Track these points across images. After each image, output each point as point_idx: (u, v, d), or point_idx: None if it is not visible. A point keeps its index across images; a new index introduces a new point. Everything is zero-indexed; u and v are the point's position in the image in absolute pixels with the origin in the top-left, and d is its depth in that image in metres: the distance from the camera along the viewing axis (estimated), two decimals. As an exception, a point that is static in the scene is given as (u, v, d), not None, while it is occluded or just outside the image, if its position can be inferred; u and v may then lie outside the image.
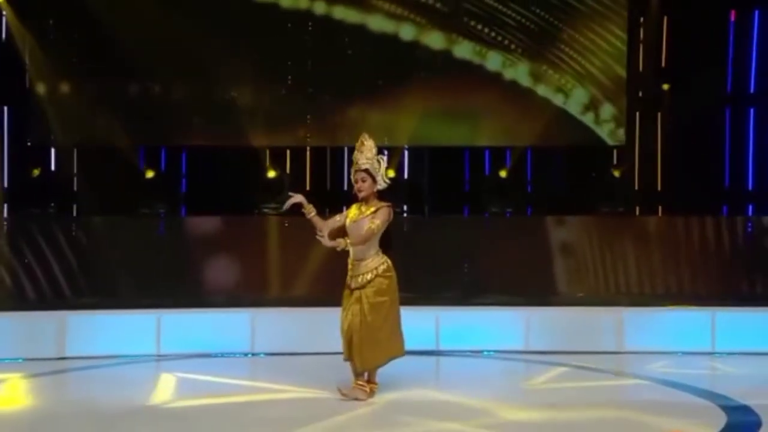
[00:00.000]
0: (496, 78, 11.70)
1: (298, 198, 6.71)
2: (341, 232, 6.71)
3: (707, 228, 10.80)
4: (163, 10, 11.35)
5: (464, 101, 11.68)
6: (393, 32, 11.58)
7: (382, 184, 6.64)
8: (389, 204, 6.66)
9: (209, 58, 11.39)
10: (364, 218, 6.61)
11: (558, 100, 11.80)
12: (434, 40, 11.58)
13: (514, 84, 11.70)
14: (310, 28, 11.67)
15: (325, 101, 11.69)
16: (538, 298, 10.07)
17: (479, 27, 11.61)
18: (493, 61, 11.68)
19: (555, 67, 11.73)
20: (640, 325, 9.07)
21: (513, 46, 11.67)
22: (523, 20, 11.65)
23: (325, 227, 6.65)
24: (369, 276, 6.63)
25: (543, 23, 11.66)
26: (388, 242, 6.74)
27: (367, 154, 6.64)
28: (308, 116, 11.92)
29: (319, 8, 11.55)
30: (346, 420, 6.31)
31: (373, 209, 6.63)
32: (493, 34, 11.62)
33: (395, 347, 6.74)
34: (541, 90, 11.77)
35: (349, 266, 6.74)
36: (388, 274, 6.68)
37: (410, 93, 11.48)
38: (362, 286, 6.64)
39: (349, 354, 6.71)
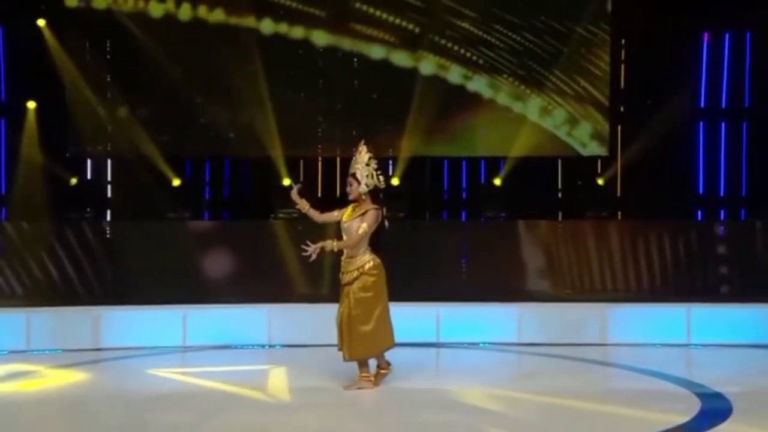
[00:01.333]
0: (489, 101, 11.77)
1: (293, 196, 6.73)
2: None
3: (683, 231, 10.78)
4: (189, 34, 11.43)
5: (461, 119, 11.79)
6: (395, 59, 11.62)
7: (363, 188, 6.58)
8: (377, 207, 6.60)
9: (229, 77, 11.44)
10: (356, 219, 6.59)
11: (549, 114, 11.86)
12: (428, 66, 11.67)
13: (507, 107, 11.80)
14: (320, 50, 11.71)
15: (335, 117, 11.75)
16: (530, 295, 10.06)
17: (473, 56, 11.71)
18: (490, 87, 11.77)
19: (545, 88, 11.78)
20: (623, 320, 9.07)
21: (507, 71, 11.74)
22: (516, 45, 11.71)
23: (320, 219, 6.77)
24: (356, 273, 6.58)
25: (532, 48, 11.71)
26: (377, 242, 6.68)
27: (358, 160, 6.65)
28: (320, 130, 11.96)
29: (330, 39, 11.60)
30: (352, 407, 6.33)
31: (362, 211, 6.60)
32: (481, 61, 11.70)
33: (384, 340, 6.65)
34: (535, 107, 11.83)
35: (342, 262, 6.72)
36: (374, 271, 6.60)
37: (413, 112, 11.55)
38: (350, 282, 6.60)
39: (340, 345, 6.68)
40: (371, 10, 11.59)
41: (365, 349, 6.62)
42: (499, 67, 11.75)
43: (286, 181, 11.69)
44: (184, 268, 10.26)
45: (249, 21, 11.55)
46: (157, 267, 10.27)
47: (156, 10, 11.52)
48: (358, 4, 11.57)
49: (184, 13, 11.54)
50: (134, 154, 11.86)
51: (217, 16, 11.55)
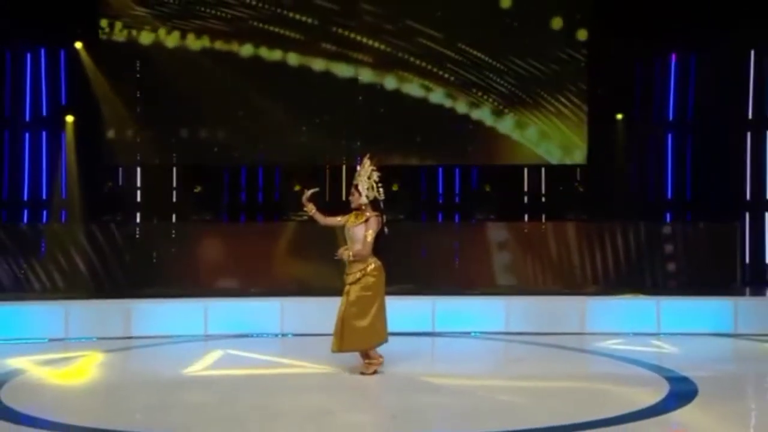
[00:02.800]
0: (477, 120, 11.93)
1: (304, 198, 6.72)
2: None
3: (654, 231, 10.80)
4: (212, 61, 11.57)
5: (452, 134, 11.92)
6: (396, 87, 11.84)
7: (363, 199, 6.57)
8: (377, 213, 6.57)
9: (248, 98, 11.53)
10: (359, 226, 6.57)
11: (529, 129, 11.98)
12: (419, 90, 11.88)
13: (494, 127, 11.96)
14: (334, 77, 11.84)
15: (342, 134, 11.83)
16: (516, 288, 10.07)
17: (456, 78, 11.86)
18: (478, 108, 11.95)
19: (532, 108, 11.90)
20: (599, 311, 9.07)
21: (493, 93, 11.88)
22: (505, 71, 11.87)
23: (324, 221, 6.74)
24: (359, 274, 6.55)
25: (522, 82, 11.84)
26: (377, 245, 6.60)
27: (361, 172, 6.63)
28: (327, 140, 12.02)
29: (342, 68, 11.81)
30: (355, 389, 6.36)
31: (364, 218, 6.57)
32: (454, 79, 11.83)
33: (377, 335, 6.59)
34: (522, 124, 11.95)
35: (347, 264, 6.66)
36: (375, 272, 6.56)
37: (410, 128, 11.68)
38: (354, 282, 6.56)
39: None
40: (374, 43, 11.77)
41: (360, 342, 6.59)
42: (487, 89, 11.90)
43: (297, 188, 11.75)
44: (205, 265, 10.29)
45: (275, 54, 11.73)
46: (181, 263, 10.31)
47: (192, 44, 11.72)
48: (363, 38, 11.76)
49: (215, 45, 11.74)
50: (160, 163, 11.92)
51: (236, 47, 11.72)
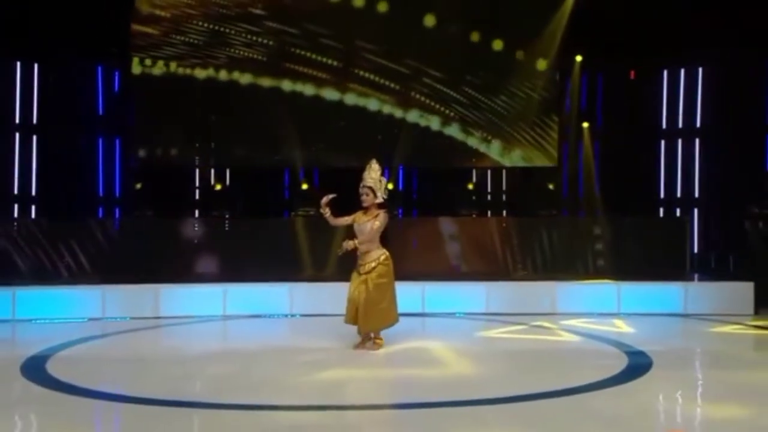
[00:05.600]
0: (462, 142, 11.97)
1: (324, 199, 6.66)
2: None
3: (616, 224, 10.80)
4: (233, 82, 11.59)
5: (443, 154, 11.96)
6: (391, 112, 11.88)
7: (380, 199, 6.58)
8: (386, 210, 6.62)
9: (259, 112, 11.53)
10: (368, 222, 6.59)
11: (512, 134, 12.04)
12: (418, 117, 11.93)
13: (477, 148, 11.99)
14: (345, 105, 11.82)
15: (345, 145, 11.86)
16: (495, 275, 10.08)
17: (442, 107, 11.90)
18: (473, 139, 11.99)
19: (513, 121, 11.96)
20: (568, 294, 9.11)
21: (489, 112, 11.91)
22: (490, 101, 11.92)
23: (334, 222, 6.71)
24: (373, 264, 6.58)
25: (497, 97, 11.86)
26: (385, 238, 6.67)
27: (372, 174, 6.58)
28: (322, 143, 12.05)
29: (349, 99, 11.82)
30: (358, 363, 6.38)
31: (374, 215, 6.58)
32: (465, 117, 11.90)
33: (392, 316, 6.69)
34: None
35: (359, 257, 6.70)
36: (386, 262, 6.62)
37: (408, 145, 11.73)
38: (369, 272, 6.58)
39: (355, 320, 6.65)
40: (370, 75, 11.79)
41: (379, 322, 6.65)
42: (476, 107, 11.97)
43: (304, 186, 11.76)
44: (224, 255, 10.28)
45: (285, 84, 11.75)
46: (203, 254, 10.29)
47: (222, 75, 11.68)
48: (365, 74, 11.79)
49: (243, 77, 11.71)
50: (186, 165, 11.89)
51: (249, 78, 11.72)
